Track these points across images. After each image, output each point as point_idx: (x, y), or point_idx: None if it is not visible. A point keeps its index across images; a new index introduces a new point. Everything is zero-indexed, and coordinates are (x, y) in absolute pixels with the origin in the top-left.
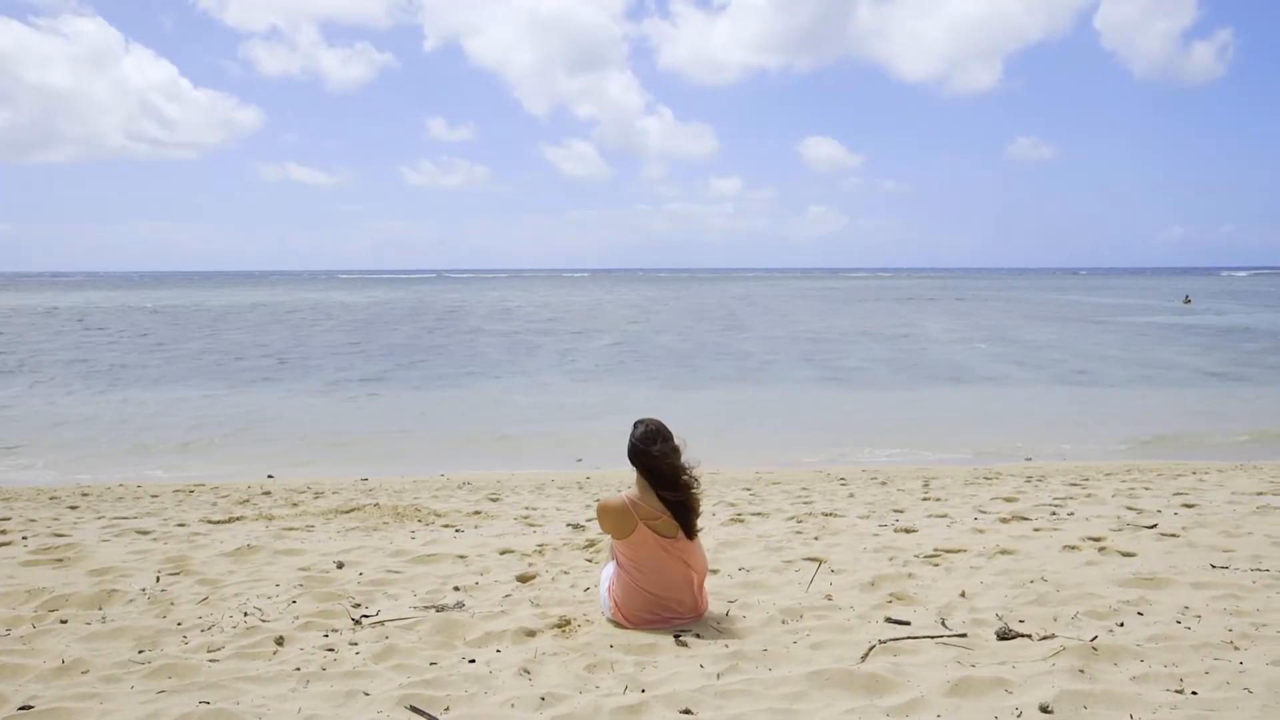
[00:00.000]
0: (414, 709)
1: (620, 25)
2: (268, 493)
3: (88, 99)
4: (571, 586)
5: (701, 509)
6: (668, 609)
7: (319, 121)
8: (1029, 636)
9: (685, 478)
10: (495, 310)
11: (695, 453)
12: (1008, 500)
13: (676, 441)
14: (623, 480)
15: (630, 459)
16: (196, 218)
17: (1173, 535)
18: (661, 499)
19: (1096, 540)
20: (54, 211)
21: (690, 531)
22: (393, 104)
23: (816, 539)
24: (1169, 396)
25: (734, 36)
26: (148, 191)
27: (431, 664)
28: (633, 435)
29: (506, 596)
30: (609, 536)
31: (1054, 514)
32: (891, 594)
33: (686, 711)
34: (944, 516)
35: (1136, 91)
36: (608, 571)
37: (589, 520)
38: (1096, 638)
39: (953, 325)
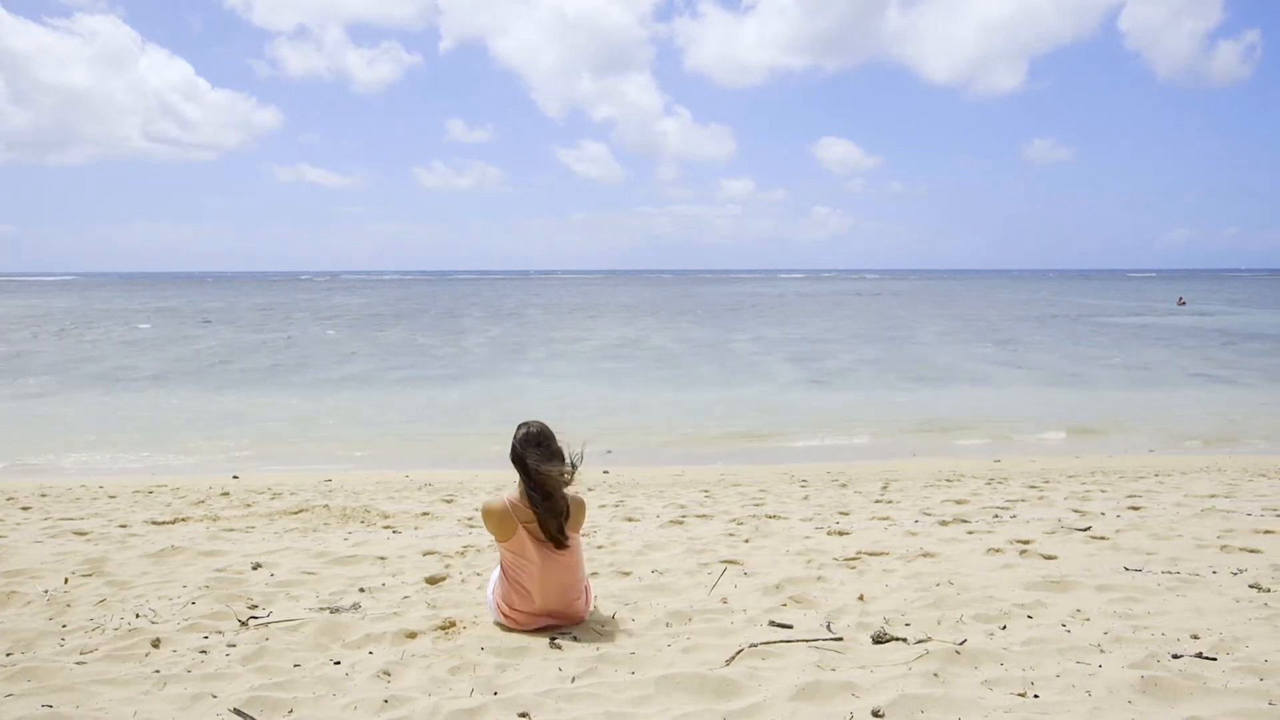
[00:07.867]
0: (238, 712)
1: (647, 26)
2: (226, 493)
3: (107, 100)
4: (478, 589)
5: (579, 514)
6: (547, 611)
7: (340, 122)
8: (904, 640)
9: (549, 479)
10: (496, 310)
11: (666, 451)
12: (958, 503)
13: (561, 444)
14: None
15: (511, 461)
16: (208, 218)
17: (1102, 538)
18: (532, 505)
19: (1024, 543)
20: (62, 213)
21: (558, 541)
22: (414, 105)
23: (747, 541)
24: (1158, 395)
25: (761, 37)
26: (161, 193)
27: (295, 666)
28: (514, 438)
29: (405, 598)
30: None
31: (996, 517)
32: (791, 597)
33: (523, 715)
34: (886, 519)
35: (1158, 94)
36: (495, 573)
37: None
38: (965, 641)
39: (948, 326)
